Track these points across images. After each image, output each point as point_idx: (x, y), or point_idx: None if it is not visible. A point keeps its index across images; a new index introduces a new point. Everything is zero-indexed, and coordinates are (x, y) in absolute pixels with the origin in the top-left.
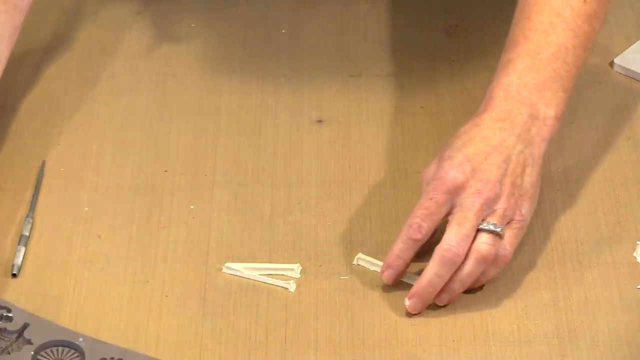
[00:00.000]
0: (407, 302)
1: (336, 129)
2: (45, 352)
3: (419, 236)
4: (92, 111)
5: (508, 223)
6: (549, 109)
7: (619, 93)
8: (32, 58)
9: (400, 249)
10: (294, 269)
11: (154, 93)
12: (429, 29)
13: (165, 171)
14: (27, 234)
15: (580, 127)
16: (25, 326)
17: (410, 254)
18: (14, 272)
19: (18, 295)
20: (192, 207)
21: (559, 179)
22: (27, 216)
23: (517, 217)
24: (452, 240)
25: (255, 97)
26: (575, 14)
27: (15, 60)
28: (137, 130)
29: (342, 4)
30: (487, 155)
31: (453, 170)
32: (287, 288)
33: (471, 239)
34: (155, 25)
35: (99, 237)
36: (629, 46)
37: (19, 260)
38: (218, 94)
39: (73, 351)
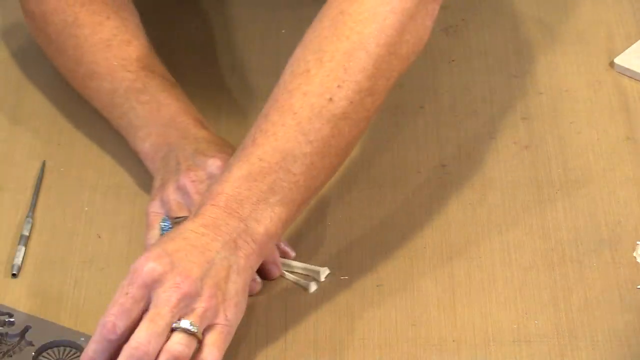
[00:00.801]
0: None
1: None
2: (47, 353)
3: (113, 336)
4: (92, 111)
5: (212, 326)
6: (259, 225)
7: (619, 93)
8: (32, 58)
9: (94, 349)
10: (320, 272)
11: None
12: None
13: None
14: (27, 234)
15: (580, 127)
16: (26, 329)
17: (106, 355)
18: (14, 272)
19: (18, 295)
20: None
21: (559, 179)
22: (27, 216)
23: (221, 321)
24: (141, 338)
25: (255, 97)
26: (315, 115)
27: (16, 60)
28: None
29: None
30: (188, 252)
31: (150, 262)
32: (307, 289)
33: (164, 337)
34: (155, 25)
35: (99, 237)
36: (629, 46)
37: (19, 260)
38: (218, 94)
39: (74, 351)
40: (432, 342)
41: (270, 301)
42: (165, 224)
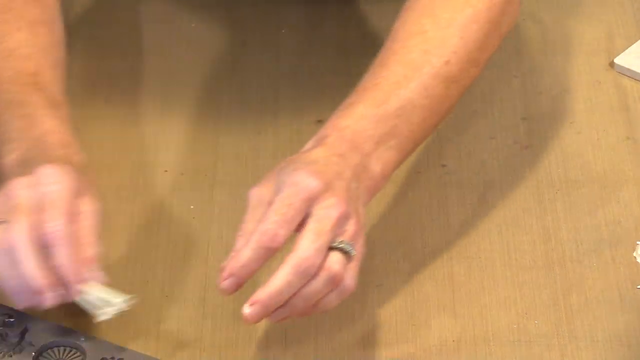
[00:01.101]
0: (248, 310)
1: None
2: (47, 353)
3: (273, 245)
4: (92, 111)
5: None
6: (377, 164)
7: (619, 93)
8: None
9: (250, 257)
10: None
11: (154, 93)
12: None
13: (165, 171)
14: None
15: (580, 127)
16: (26, 329)
17: (258, 265)
18: None
19: None
20: (192, 207)
21: (559, 179)
22: None
23: (358, 248)
24: (309, 250)
25: (255, 97)
26: (434, 72)
27: None
28: (137, 130)
29: (342, 3)
30: (334, 176)
31: (311, 178)
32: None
33: (324, 253)
34: (155, 25)
35: (99, 237)
36: (629, 46)
37: None
38: (218, 94)
39: (74, 351)
40: (432, 342)
41: None
42: None
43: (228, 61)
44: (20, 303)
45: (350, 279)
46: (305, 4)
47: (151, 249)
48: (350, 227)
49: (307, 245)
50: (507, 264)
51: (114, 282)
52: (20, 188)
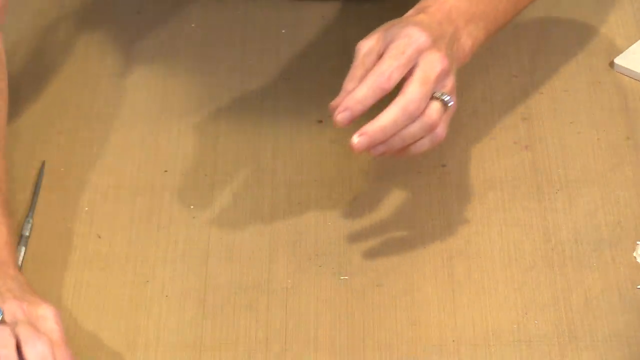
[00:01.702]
0: (356, 139)
1: (336, 129)
2: None
3: (387, 85)
4: (92, 111)
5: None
6: (468, 40)
7: (619, 93)
8: (31, 58)
9: (365, 95)
10: None
11: (154, 93)
12: None
13: (165, 171)
14: (27, 234)
15: (580, 127)
16: None
17: (371, 102)
18: None
19: None
20: (192, 207)
21: (559, 179)
22: (27, 216)
23: (454, 100)
24: (416, 94)
25: (255, 97)
26: None
27: (16, 60)
28: (137, 130)
29: (342, 3)
30: (438, 36)
31: (422, 33)
32: None
33: (427, 100)
34: (155, 25)
35: (99, 237)
36: (629, 46)
37: (19, 260)
38: (218, 94)
39: None
40: (432, 342)
41: (270, 301)
42: None
43: (228, 61)
44: None
45: (443, 128)
46: (305, 4)
47: (151, 249)
48: (449, 82)
49: (414, 90)
50: (507, 264)
51: (114, 281)
52: None
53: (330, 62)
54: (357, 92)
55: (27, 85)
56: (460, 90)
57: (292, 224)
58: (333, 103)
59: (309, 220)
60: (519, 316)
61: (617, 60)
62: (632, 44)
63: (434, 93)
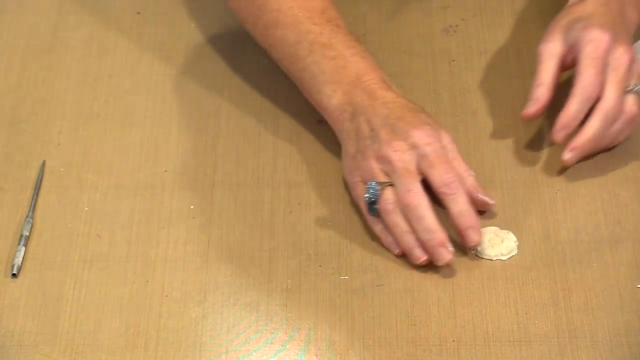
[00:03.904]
0: (568, 155)
1: None
2: None
3: (595, 95)
4: (92, 111)
5: None
6: (634, 12)
7: None
8: (32, 58)
9: (578, 109)
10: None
11: (154, 93)
12: (429, 29)
13: (165, 171)
14: (27, 234)
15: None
16: None
17: (584, 114)
18: (14, 272)
19: (18, 295)
20: (192, 207)
21: (559, 179)
22: (27, 216)
23: None
24: (614, 99)
25: (255, 97)
26: None
27: (16, 60)
28: (137, 130)
29: (342, 4)
30: (613, 25)
31: (604, 33)
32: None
33: (623, 99)
34: (155, 25)
35: (99, 237)
36: None
37: (19, 260)
38: (218, 94)
39: None
40: (432, 342)
41: (270, 301)
42: (372, 184)
43: (228, 61)
44: (417, 258)
45: (635, 108)
46: None
47: (151, 249)
48: (636, 67)
49: (611, 94)
50: (507, 264)
51: (114, 281)
52: (402, 152)
53: None
54: (570, 109)
55: (27, 85)
56: (461, 90)
57: (292, 224)
58: (526, 112)
59: (309, 220)
60: (519, 316)
61: None
62: (632, 43)
63: (628, 87)
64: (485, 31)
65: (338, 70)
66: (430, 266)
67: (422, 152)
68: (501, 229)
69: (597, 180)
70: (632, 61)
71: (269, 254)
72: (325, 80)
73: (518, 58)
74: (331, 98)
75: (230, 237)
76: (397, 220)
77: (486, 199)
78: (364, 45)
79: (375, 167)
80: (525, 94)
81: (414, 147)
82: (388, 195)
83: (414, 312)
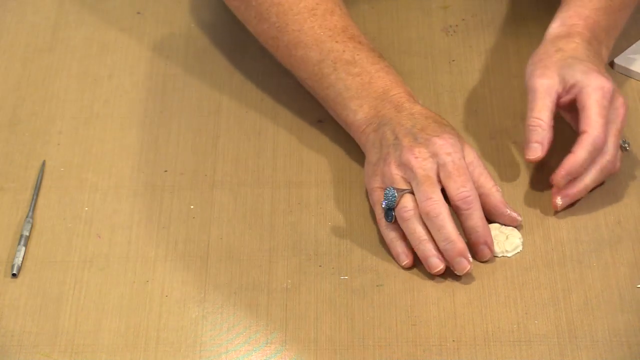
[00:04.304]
0: (560, 202)
1: (336, 129)
2: None
3: (603, 144)
4: (92, 111)
5: None
6: (606, 51)
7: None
8: (32, 58)
9: (586, 159)
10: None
11: (154, 93)
12: (429, 29)
13: (165, 171)
14: (27, 234)
15: None
16: None
17: (590, 164)
18: (14, 272)
19: (18, 295)
20: (192, 207)
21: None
22: (27, 216)
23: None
24: (613, 154)
25: (255, 97)
26: None
27: (16, 60)
28: (137, 130)
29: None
30: (599, 61)
31: (607, 82)
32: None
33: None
34: (155, 25)
35: (99, 237)
36: (629, 46)
37: (19, 260)
38: (218, 94)
39: None
40: (432, 342)
41: (270, 301)
42: (390, 190)
43: (228, 61)
44: (435, 266)
45: (619, 163)
46: None
47: (151, 249)
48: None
49: (611, 149)
50: (507, 264)
51: (114, 281)
52: (423, 159)
53: None
54: (579, 157)
55: (27, 85)
56: (461, 90)
57: (292, 224)
58: (531, 157)
59: (309, 220)
60: (519, 316)
61: (617, 60)
62: (632, 44)
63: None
64: (485, 31)
65: (364, 86)
66: None
67: (442, 161)
68: (502, 227)
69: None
70: (626, 113)
71: (269, 254)
72: (351, 97)
73: (518, 58)
74: (357, 113)
75: (230, 237)
76: (415, 228)
77: (514, 214)
78: (386, 60)
79: (396, 173)
80: (525, 94)
81: (434, 155)
82: (406, 202)
83: (414, 312)
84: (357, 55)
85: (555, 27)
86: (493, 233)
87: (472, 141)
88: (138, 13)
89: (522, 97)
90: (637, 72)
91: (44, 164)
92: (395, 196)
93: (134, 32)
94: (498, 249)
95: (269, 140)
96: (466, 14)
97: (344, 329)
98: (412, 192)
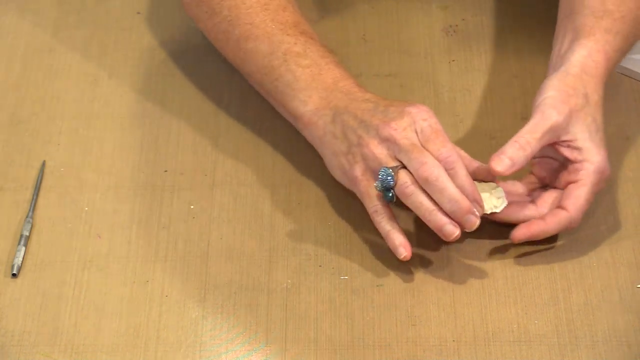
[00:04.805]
0: (518, 238)
1: None
2: None
3: (576, 226)
4: (92, 111)
5: None
6: (600, 97)
7: (619, 93)
8: (32, 58)
9: (554, 232)
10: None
11: (154, 93)
12: (429, 29)
13: (165, 171)
14: (27, 234)
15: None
16: None
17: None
18: (14, 272)
19: (18, 295)
20: (192, 207)
21: None
22: (27, 216)
23: None
24: (580, 217)
25: (256, 97)
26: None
27: (16, 60)
28: (137, 130)
29: (342, 3)
30: (598, 127)
31: (609, 167)
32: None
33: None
34: (155, 25)
35: (99, 237)
36: None
37: (19, 260)
38: (218, 94)
39: None
40: (432, 342)
41: (270, 301)
42: (384, 170)
43: (228, 61)
44: (450, 233)
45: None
46: (305, 4)
47: (151, 249)
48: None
49: (580, 215)
50: (507, 264)
51: (114, 281)
52: (403, 129)
53: None
54: (547, 229)
55: (27, 85)
56: (461, 90)
57: (292, 224)
58: (497, 168)
59: (309, 220)
60: (519, 316)
61: None
62: None
63: None
64: (485, 31)
65: (313, 77)
66: (430, 266)
67: (420, 127)
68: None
69: None
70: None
71: (269, 254)
72: (301, 88)
73: (518, 58)
74: (307, 104)
75: (230, 237)
76: (422, 200)
77: (487, 166)
78: (337, 56)
79: (380, 152)
80: (525, 94)
81: (412, 123)
82: (404, 177)
83: (414, 312)
84: (308, 48)
85: (583, 55)
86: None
87: (472, 141)
88: (138, 13)
89: (522, 97)
90: (637, 72)
91: (44, 164)
92: (392, 174)
93: (134, 32)
94: (487, 205)
95: (269, 140)
96: (466, 14)
97: (344, 329)
98: (404, 167)
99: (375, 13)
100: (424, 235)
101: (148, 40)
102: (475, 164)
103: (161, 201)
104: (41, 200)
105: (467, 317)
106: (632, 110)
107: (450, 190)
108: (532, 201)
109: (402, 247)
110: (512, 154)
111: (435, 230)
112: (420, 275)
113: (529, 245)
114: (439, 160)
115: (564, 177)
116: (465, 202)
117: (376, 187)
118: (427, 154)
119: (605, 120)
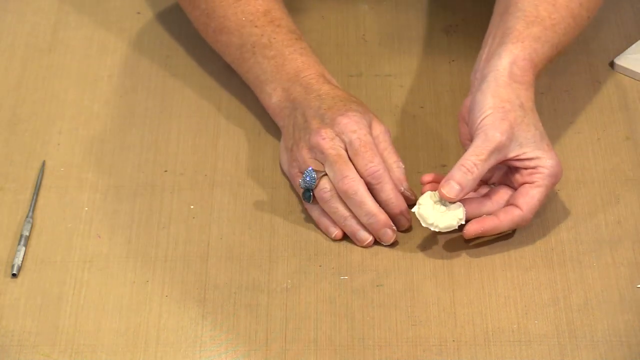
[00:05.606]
0: (469, 233)
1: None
2: None
3: (527, 224)
4: (92, 111)
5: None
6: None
7: (619, 93)
8: (32, 58)
9: (506, 229)
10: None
11: (154, 93)
12: (429, 29)
13: (165, 171)
14: (27, 234)
15: (580, 127)
16: None
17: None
18: (14, 272)
19: (18, 295)
20: (192, 207)
21: None
22: (27, 216)
23: None
24: (532, 216)
25: (255, 97)
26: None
27: (16, 60)
28: (137, 130)
29: (342, 4)
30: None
31: (559, 164)
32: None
33: None
34: (155, 25)
35: (99, 237)
36: (629, 46)
37: (19, 260)
38: (218, 94)
39: None
40: (432, 342)
41: (270, 301)
42: (309, 172)
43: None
44: (363, 239)
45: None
46: (305, 4)
47: (151, 249)
48: None
49: (531, 215)
50: (507, 264)
51: (114, 281)
52: (331, 139)
53: (330, 62)
54: (500, 226)
55: (27, 85)
56: (461, 90)
57: (292, 224)
58: (447, 193)
59: (309, 220)
60: (519, 316)
61: (617, 60)
62: (632, 44)
63: None
64: (485, 31)
65: (277, 69)
66: (430, 266)
67: (348, 139)
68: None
69: (597, 180)
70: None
71: (269, 254)
72: (267, 80)
73: None
74: (272, 97)
75: (230, 237)
76: (337, 207)
77: (408, 193)
78: (305, 41)
79: (308, 157)
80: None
81: (340, 133)
82: (325, 183)
83: (414, 312)
84: (274, 38)
85: (508, 62)
86: (434, 200)
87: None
88: (138, 13)
89: None
90: (637, 72)
91: (44, 164)
92: (314, 178)
93: (134, 32)
94: (452, 221)
95: (269, 140)
96: (466, 14)
97: (344, 329)
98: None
99: (375, 13)
100: (425, 235)
101: (148, 40)
102: (400, 187)
103: (161, 201)
104: (41, 200)
105: (467, 317)
106: (632, 110)
107: (367, 205)
108: (488, 197)
109: (332, 227)
110: (459, 179)
111: (350, 236)
112: (420, 275)
113: (529, 246)
114: (366, 175)
115: (517, 178)
116: (382, 217)
117: (300, 184)
118: (350, 168)
119: (605, 120)
